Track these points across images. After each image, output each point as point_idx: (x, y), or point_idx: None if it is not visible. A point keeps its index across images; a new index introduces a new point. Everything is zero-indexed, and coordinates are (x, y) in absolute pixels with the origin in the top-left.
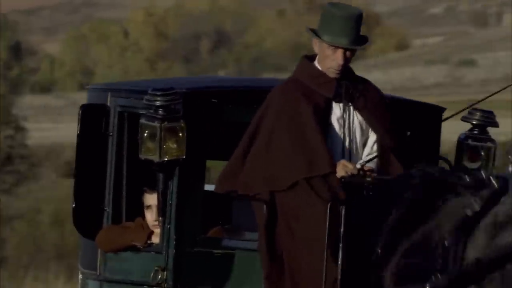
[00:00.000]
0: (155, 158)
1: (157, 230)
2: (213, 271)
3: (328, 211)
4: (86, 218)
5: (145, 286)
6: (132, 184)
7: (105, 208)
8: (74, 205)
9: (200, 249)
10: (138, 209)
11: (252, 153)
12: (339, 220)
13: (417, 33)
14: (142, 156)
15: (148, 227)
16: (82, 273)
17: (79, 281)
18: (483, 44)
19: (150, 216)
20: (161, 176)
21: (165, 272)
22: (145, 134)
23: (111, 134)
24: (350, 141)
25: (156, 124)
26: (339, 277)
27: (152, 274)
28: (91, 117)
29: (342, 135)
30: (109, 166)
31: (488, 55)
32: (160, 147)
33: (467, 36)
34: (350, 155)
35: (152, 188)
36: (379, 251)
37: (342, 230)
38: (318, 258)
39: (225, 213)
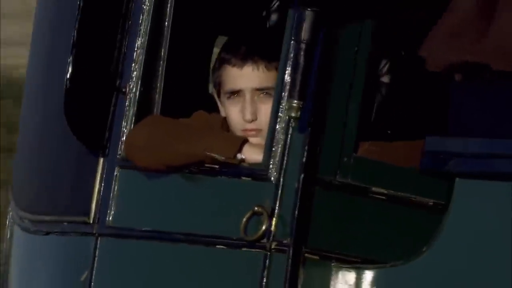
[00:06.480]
0: None
1: (254, 139)
2: (379, 223)
3: None
4: (88, 106)
5: (219, 247)
6: (179, 46)
7: (124, 89)
8: (68, 78)
9: (350, 181)
10: (190, 96)
11: None
12: None
13: None
14: None
15: (226, 129)
16: (33, 222)
17: (7, 236)
18: None
19: (238, 112)
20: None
21: (273, 219)
22: None
23: None
24: None
25: None
26: None
27: (243, 221)
28: None
29: None
30: None
31: None
32: None
33: None
34: None
35: (247, 55)
36: None
37: None
38: None
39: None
